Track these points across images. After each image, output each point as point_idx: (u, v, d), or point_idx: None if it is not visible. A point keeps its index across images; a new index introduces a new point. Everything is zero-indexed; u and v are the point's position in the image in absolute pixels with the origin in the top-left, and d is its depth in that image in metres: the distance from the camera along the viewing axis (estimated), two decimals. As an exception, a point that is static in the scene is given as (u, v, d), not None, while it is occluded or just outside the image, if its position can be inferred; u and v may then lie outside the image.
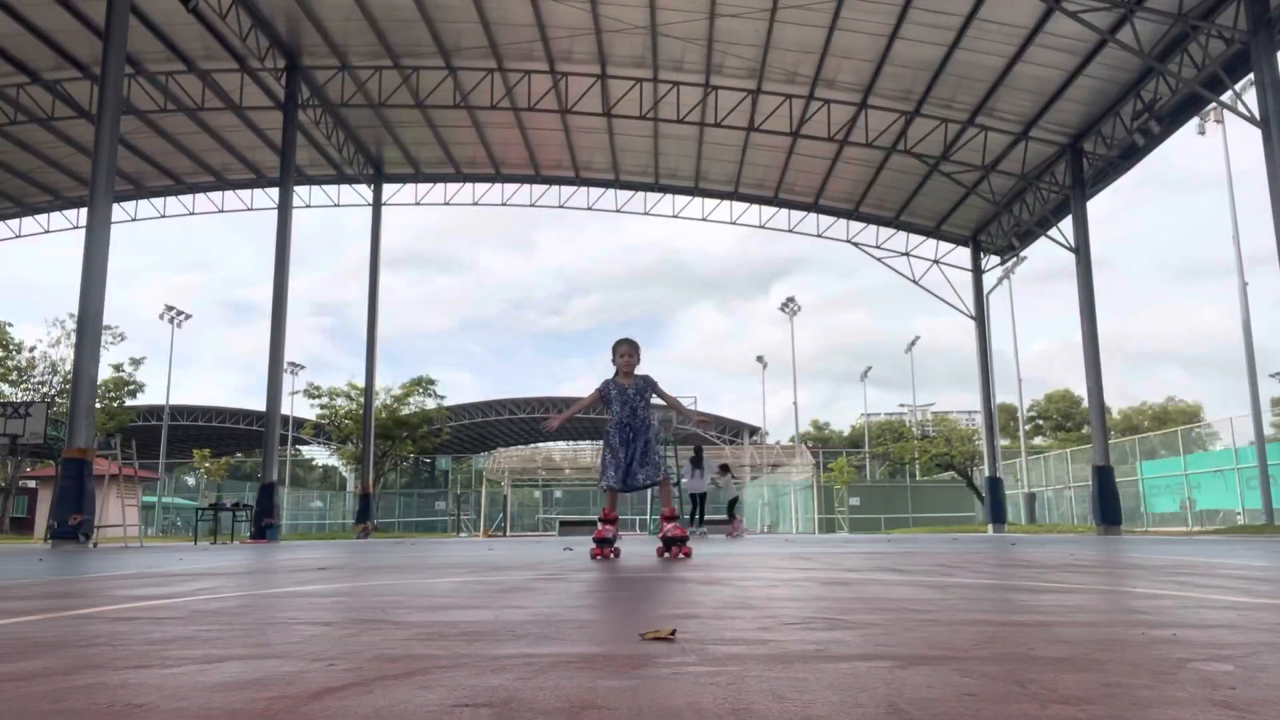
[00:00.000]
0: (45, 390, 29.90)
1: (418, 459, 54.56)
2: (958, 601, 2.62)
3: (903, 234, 27.82)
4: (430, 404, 38.37)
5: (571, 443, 59.95)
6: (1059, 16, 16.73)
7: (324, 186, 28.92)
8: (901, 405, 60.29)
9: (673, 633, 1.81)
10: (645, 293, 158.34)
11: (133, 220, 29.27)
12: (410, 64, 22.20)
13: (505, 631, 1.92)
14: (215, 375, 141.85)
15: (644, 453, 6.06)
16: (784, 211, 28.01)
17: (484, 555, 7.25)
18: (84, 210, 19.79)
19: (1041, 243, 24.10)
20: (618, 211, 28.76)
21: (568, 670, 1.40)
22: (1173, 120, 19.12)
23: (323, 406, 36.86)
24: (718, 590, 3.12)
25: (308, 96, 23.19)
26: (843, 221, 28.01)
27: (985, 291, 27.30)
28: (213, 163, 27.10)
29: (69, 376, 23.54)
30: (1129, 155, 20.41)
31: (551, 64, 21.77)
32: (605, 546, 6.02)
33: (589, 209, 28.96)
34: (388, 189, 28.77)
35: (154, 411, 45.53)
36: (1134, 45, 16.82)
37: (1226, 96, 17.00)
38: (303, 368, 48.07)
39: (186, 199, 28.95)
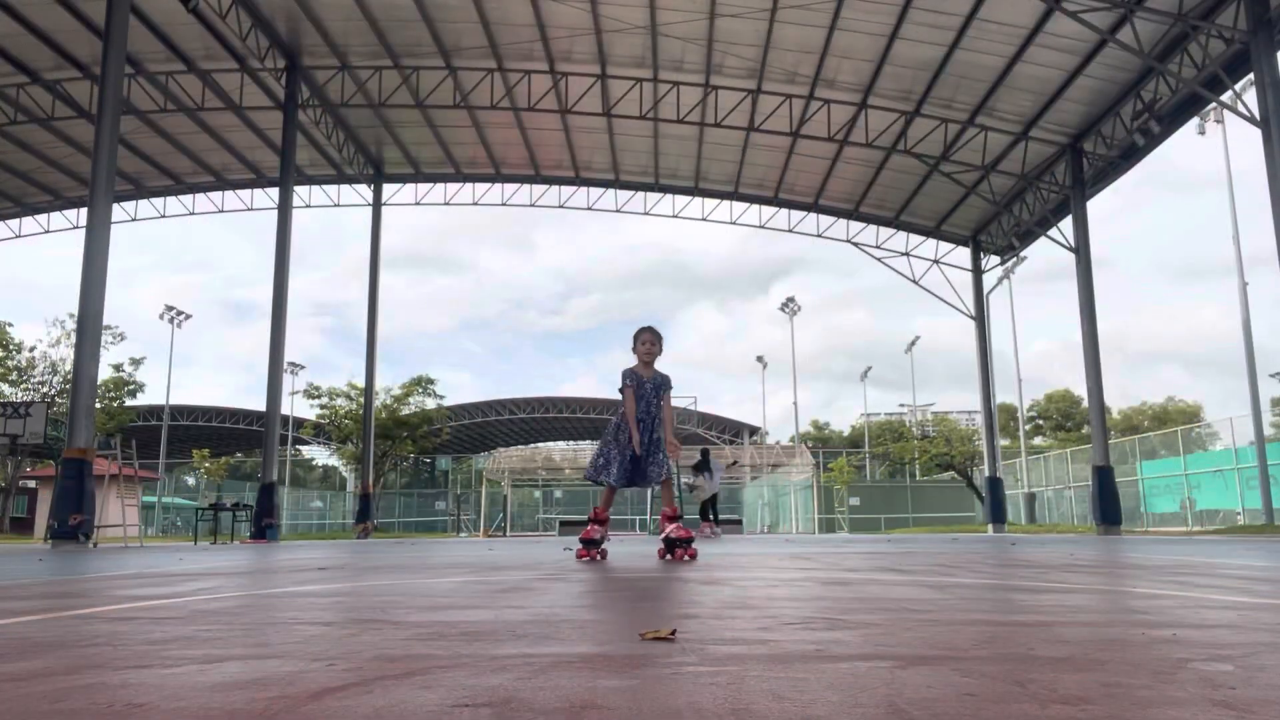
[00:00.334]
0: (45, 390, 29.90)
1: (418, 459, 54.56)
2: (958, 601, 2.62)
3: (903, 234, 27.82)
4: (430, 404, 38.40)
5: (571, 443, 59.98)
6: (1059, 16, 16.73)
7: (324, 186, 28.93)
8: (901, 405, 60.31)
9: (673, 633, 1.81)
10: (645, 293, 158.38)
11: (133, 220, 29.29)
12: (410, 64, 22.21)
13: (505, 631, 1.92)
14: (215, 375, 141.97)
15: (654, 449, 5.73)
16: (784, 211, 28.02)
17: (484, 555, 7.25)
18: (84, 210, 19.79)
19: (1041, 243, 24.12)
20: (618, 211, 28.78)
21: (568, 670, 1.40)
22: (1173, 120, 19.13)
23: (323, 406, 36.86)
24: (718, 590, 3.12)
25: (308, 96, 23.20)
26: (843, 221, 28.01)
27: (985, 291, 27.30)
28: (213, 163, 27.11)
29: (69, 376, 23.54)
30: (1129, 155, 20.41)
31: (551, 64, 21.77)
32: (592, 548, 5.72)
33: (589, 209, 28.98)
34: (388, 189, 28.77)
35: (154, 411, 45.54)
36: (1134, 45, 16.82)
37: (1226, 96, 17.01)
38: (303, 368, 48.13)
39: (186, 199, 28.96)
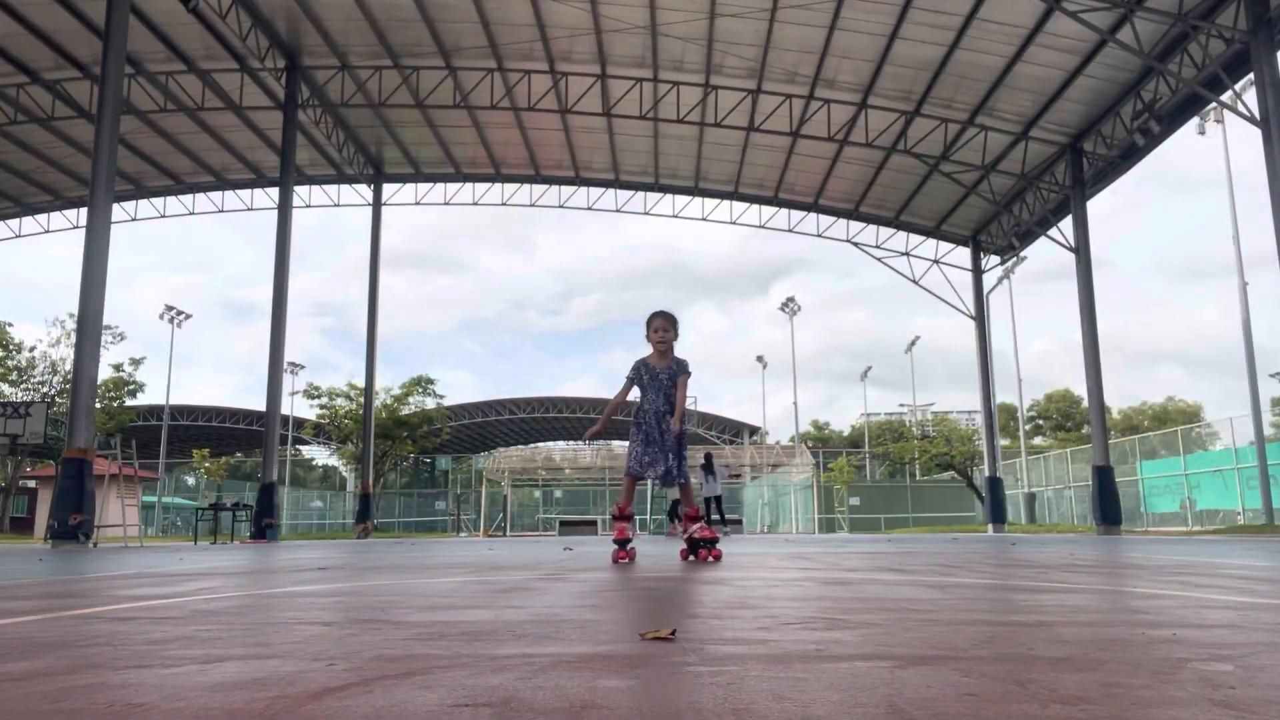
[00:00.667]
0: (45, 390, 29.91)
1: (418, 459, 54.57)
2: (958, 601, 2.62)
3: (903, 234, 27.83)
4: (430, 404, 38.41)
5: (571, 443, 59.96)
6: (1059, 16, 16.73)
7: (324, 186, 28.94)
8: (901, 405, 60.28)
9: (673, 633, 1.81)
10: (645, 293, 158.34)
11: (133, 220, 29.30)
12: (410, 64, 22.21)
13: (505, 631, 1.92)
14: (215, 375, 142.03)
15: (671, 448, 5.35)
16: (784, 211, 28.02)
17: (484, 555, 7.25)
18: (84, 210, 19.79)
19: (1041, 243, 24.12)
20: (618, 211, 28.79)
21: (568, 670, 1.40)
22: (1173, 120, 19.12)
23: (322, 406, 36.86)
24: (718, 590, 3.12)
25: (308, 96, 23.20)
26: (843, 221, 28.02)
27: (985, 291, 27.30)
28: (213, 163, 27.11)
29: (69, 376, 23.55)
30: (1129, 155, 20.41)
31: (551, 64, 21.77)
32: (623, 548, 5.36)
33: (589, 209, 28.98)
34: (388, 189, 28.77)
35: (154, 411, 45.54)
36: (1134, 45, 16.82)
37: (1226, 96, 17.00)
38: (303, 368, 48.12)
39: (186, 199, 28.96)
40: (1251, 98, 15.49)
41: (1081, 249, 21.16)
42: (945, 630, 1.90)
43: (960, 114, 21.45)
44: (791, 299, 46.14)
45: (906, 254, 27.87)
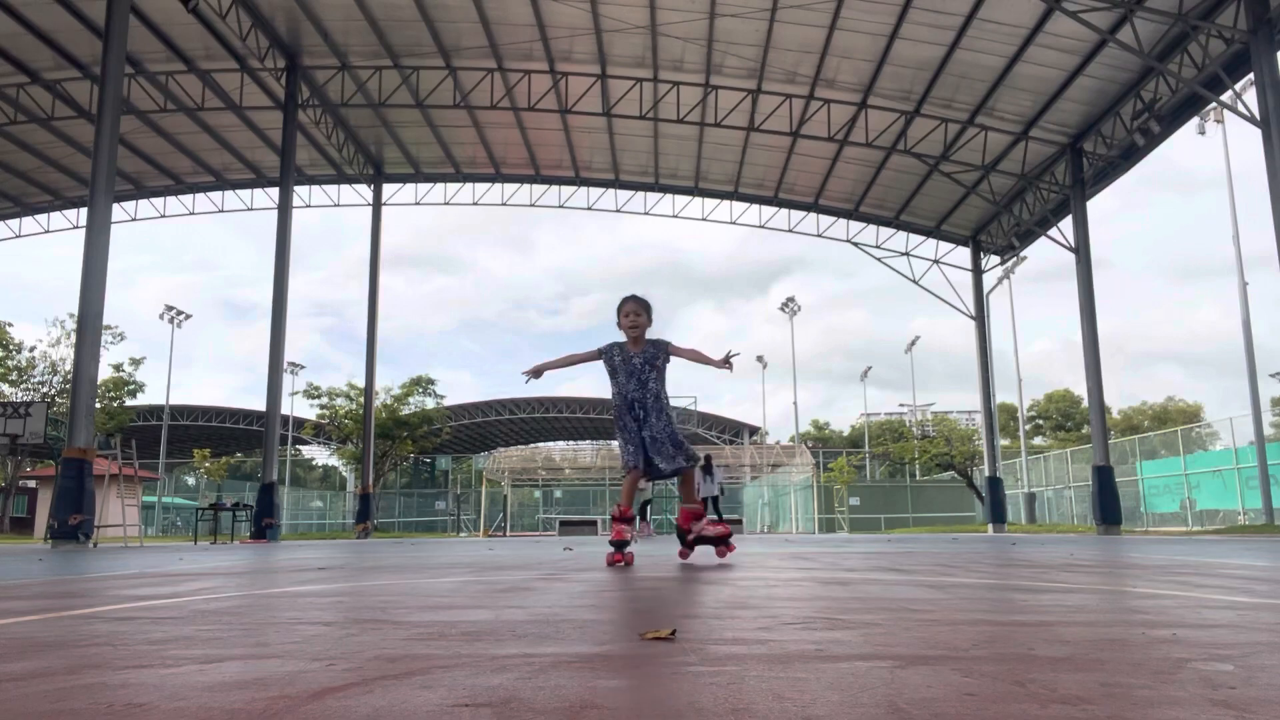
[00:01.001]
0: (45, 390, 29.92)
1: (418, 459, 54.56)
2: (958, 601, 2.62)
3: (903, 234, 27.83)
4: (430, 404, 38.42)
5: (571, 443, 59.99)
6: (1059, 16, 16.73)
7: (324, 186, 28.94)
8: (901, 405, 60.33)
9: (673, 633, 1.81)
10: (645, 293, 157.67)
11: (133, 220, 29.30)
12: (410, 64, 22.21)
13: (505, 631, 1.92)
14: (215, 375, 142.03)
15: (658, 437, 4.97)
16: (784, 211, 28.02)
17: (484, 555, 7.25)
18: (84, 210, 19.79)
19: (1041, 243, 24.13)
20: (618, 211, 28.79)
21: (568, 670, 1.40)
22: (1173, 120, 19.12)
23: (322, 406, 36.87)
24: (718, 590, 3.12)
25: (308, 96, 23.20)
26: (843, 221, 28.02)
27: (985, 291, 27.31)
28: (213, 163, 27.11)
29: (69, 376, 23.55)
30: (1129, 155, 20.41)
31: (551, 64, 21.77)
32: (621, 550, 4.96)
33: (589, 209, 28.99)
34: (388, 189, 28.77)
35: (154, 411, 45.55)
36: (1134, 45, 16.82)
37: (1226, 96, 17.00)
38: (303, 368, 48.18)
39: (186, 199, 28.96)
40: (1251, 98, 15.49)
41: (1081, 249, 21.16)
42: (945, 630, 1.90)
43: (960, 114, 21.45)
44: (791, 299, 46.23)
45: (906, 254, 27.88)
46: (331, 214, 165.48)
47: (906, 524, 36.00)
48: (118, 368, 32.68)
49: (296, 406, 43.91)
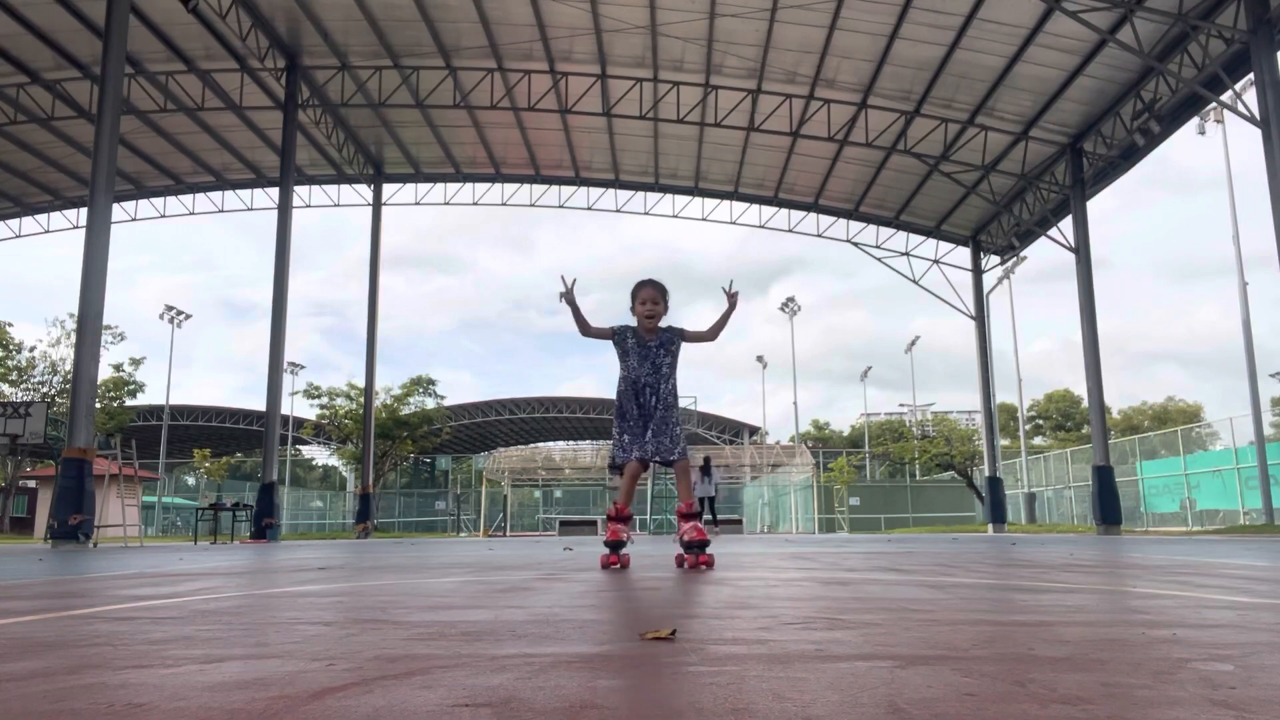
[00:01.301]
0: (45, 390, 29.92)
1: (418, 459, 54.55)
2: (958, 601, 2.62)
3: (903, 234, 27.83)
4: (430, 404, 38.40)
5: (571, 443, 59.99)
6: (1059, 16, 16.73)
7: (324, 186, 28.94)
8: (901, 405, 60.32)
9: (673, 633, 1.81)
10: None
11: (133, 220, 29.30)
12: (410, 64, 22.21)
13: (505, 631, 1.92)
14: (215, 375, 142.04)
15: (664, 422, 4.64)
16: (784, 211, 28.02)
17: (484, 555, 7.25)
18: (84, 210, 19.79)
19: (1041, 243, 24.13)
20: (618, 211, 28.79)
21: (568, 670, 1.40)
22: (1173, 120, 19.12)
23: (323, 406, 36.87)
24: (718, 590, 3.12)
25: (308, 96, 23.20)
26: (843, 221, 28.02)
27: (985, 291, 27.30)
28: (213, 163, 27.11)
29: (69, 376, 23.55)
30: (1129, 155, 20.41)
31: (551, 64, 21.77)
32: (616, 551, 4.74)
33: (589, 209, 28.99)
34: (388, 189, 28.77)
35: (154, 411, 45.54)
36: (1134, 45, 16.82)
37: (1226, 96, 17.00)
38: (303, 368, 48.17)
39: (186, 199, 28.96)
40: (1251, 98, 15.49)
41: (1081, 249, 21.16)
42: (945, 630, 1.90)
43: (960, 114, 21.45)
44: (791, 299, 46.24)
45: (906, 254, 27.88)
46: (331, 214, 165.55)
47: (906, 524, 35.99)
48: (118, 368, 32.71)
49: (296, 406, 43.95)
